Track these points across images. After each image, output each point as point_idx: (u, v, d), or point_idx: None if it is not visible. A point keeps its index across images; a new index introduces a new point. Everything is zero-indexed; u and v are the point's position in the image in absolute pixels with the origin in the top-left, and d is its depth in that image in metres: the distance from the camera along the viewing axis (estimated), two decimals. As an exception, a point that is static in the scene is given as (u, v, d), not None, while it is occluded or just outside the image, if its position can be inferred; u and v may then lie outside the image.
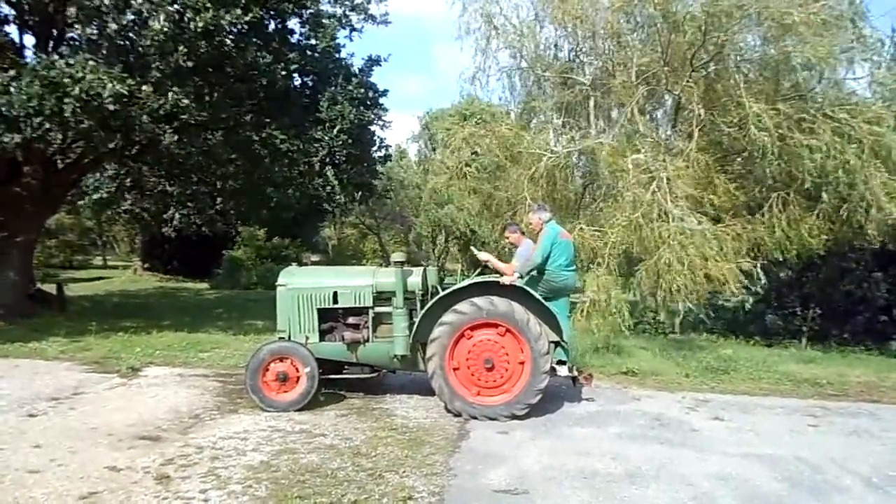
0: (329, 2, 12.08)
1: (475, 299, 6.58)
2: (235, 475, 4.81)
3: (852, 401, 7.90)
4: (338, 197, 14.83)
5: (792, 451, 5.72)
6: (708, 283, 9.65)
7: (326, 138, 14.10)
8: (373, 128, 15.79)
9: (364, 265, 38.98)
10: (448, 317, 6.60)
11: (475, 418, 6.49)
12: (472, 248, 8.13)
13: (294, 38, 12.19)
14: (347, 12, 12.12)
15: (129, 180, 13.94)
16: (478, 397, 6.60)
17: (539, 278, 7.03)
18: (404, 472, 4.96)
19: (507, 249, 9.27)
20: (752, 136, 9.79)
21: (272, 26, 11.71)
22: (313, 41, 12.09)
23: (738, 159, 11.01)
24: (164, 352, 9.78)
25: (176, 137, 10.89)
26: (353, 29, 12.33)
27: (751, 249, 10.40)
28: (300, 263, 13.76)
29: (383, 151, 17.04)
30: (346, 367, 7.39)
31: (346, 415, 6.59)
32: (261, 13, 10.27)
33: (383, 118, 15.67)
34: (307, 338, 7.07)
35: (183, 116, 10.71)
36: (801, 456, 5.59)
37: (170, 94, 10.13)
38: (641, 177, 10.55)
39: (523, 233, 7.81)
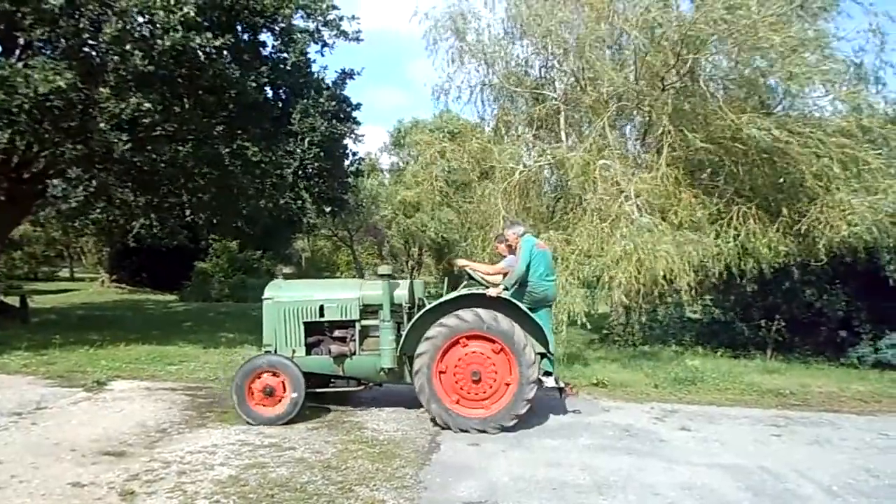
0: (302, 16, 12.10)
1: (461, 312, 6.61)
2: (203, 490, 4.75)
3: (814, 411, 8.08)
4: (309, 211, 14.74)
5: (756, 461, 5.83)
6: (653, 281, 9.78)
7: (298, 151, 14.07)
8: (345, 141, 15.81)
9: (338, 277, 38.86)
10: (433, 330, 6.61)
11: (466, 431, 6.49)
12: (456, 259, 8.15)
13: (266, 52, 12.18)
14: (320, 27, 12.14)
15: (94, 189, 13.67)
16: (458, 406, 6.61)
17: (521, 289, 7.05)
18: (374, 485, 4.95)
19: (493, 260, 9.31)
20: (735, 147, 10.00)
21: (244, 38, 11.67)
22: (285, 55, 12.08)
23: (703, 175, 11.25)
24: (131, 365, 9.59)
25: (130, 146, 10.70)
26: (325, 44, 12.36)
27: (713, 261, 10.61)
28: (272, 276, 13.77)
29: (356, 165, 17.04)
30: (332, 380, 7.38)
31: (316, 428, 6.55)
32: (232, 40, 10.25)
33: (356, 132, 15.71)
34: (293, 351, 7.03)
35: (145, 121, 10.58)
36: (765, 465, 5.71)
37: (131, 99, 10.02)
38: (611, 189, 10.75)
39: (510, 246, 7.86)
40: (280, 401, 6.65)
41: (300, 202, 14.89)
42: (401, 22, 73.46)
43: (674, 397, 8.62)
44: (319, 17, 12.11)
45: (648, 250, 9.63)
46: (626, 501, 4.84)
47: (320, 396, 7.32)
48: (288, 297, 7.23)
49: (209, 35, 9.90)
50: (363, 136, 15.73)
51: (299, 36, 11.92)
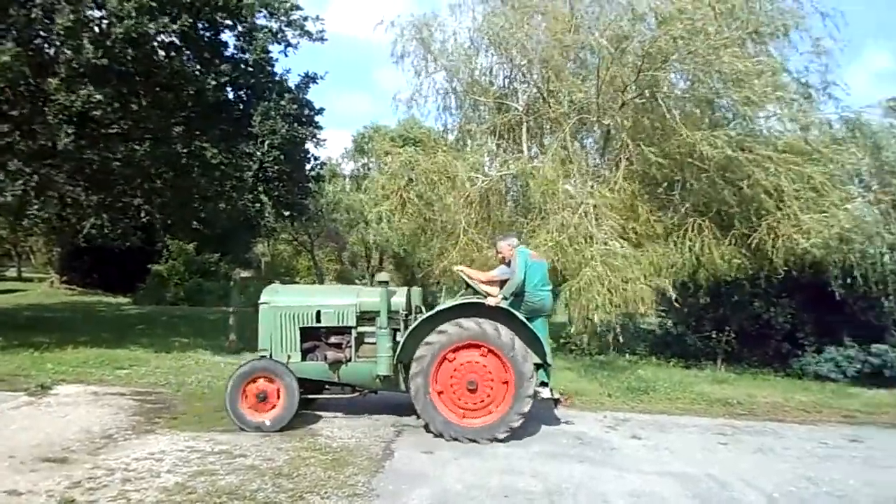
0: (265, 16, 11.97)
1: (460, 321, 6.61)
2: (148, 498, 4.64)
3: (759, 420, 8.32)
4: (267, 214, 14.55)
5: (703, 469, 5.96)
6: (625, 304, 10.02)
7: (258, 153, 13.89)
8: (307, 145, 15.66)
9: (297, 283, 38.40)
10: (431, 338, 6.60)
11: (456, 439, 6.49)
12: (455, 268, 8.13)
13: (228, 52, 12.01)
14: (283, 27, 12.03)
15: (34, 184, 13.19)
16: (453, 414, 6.62)
17: (518, 300, 7.04)
18: (326, 493, 4.90)
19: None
20: (691, 162, 10.28)
21: (205, 37, 11.50)
22: (247, 55, 11.93)
23: (660, 190, 11.51)
24: (78, 369, 9.31)
25: (79, 141, 10.39)
26: (289, 44, 12.26)
27: (668, 272, 10.85)
28: (229, 279, 13.58)
29: (317, 170, 16.90)
30: (326, 386, 7.32)
31: (269, 435, 6.44)
32: (190, 21, 10.05)
33: (318, 136, 15.60)
34: (289, 357, 6.98)
35: (95, 114, 10.31)
36: (711, 473, 5.84)
37: (81, 91, 9.77)
38: (570, 202, 10.91)
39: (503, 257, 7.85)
40: (273, 407, 6.61)
41: (258, 205, 14.67)
42: (368, 27, 73.44)
43: (626, 406, 8.77)
44: (282, 17, 12.00)
45: (620, 276, 9.82)
46: (576, 509, 4.91)
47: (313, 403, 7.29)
48: (284, 302, 7.20)
49: (165, 20, 9.69)
50: (325, 140, 15.63)
51: (261, 35, 11.77)
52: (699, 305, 12.47)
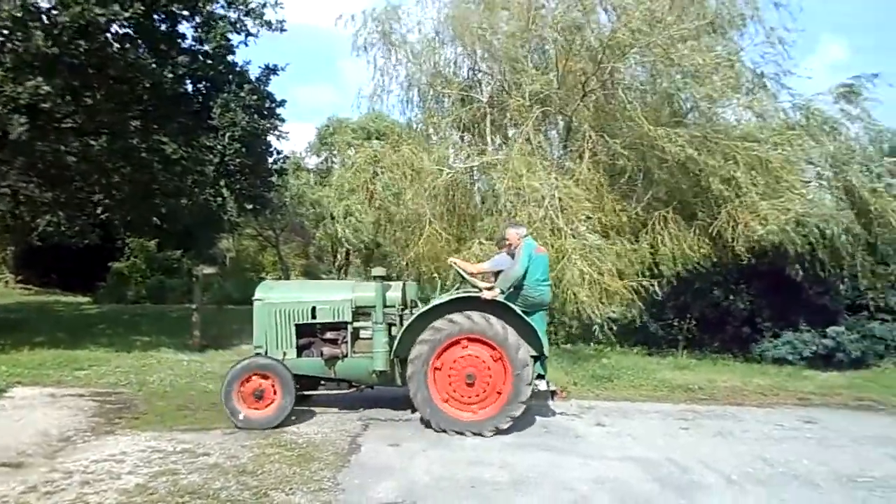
0: (222, 5, 11.71)
1: (457, 315, 6.61)
2: (107, 500, 4.55)
3: (719, 404, 8.54)
4: (230, 208, 14.29)
5: (664, 453, 6.10)
6: (606, 297, 10.15)
7: (218, 147, 13.61)
8: (269, 138, 15.42)
9: (263, 278, 37.89)
10: (428, 332, 6.60)
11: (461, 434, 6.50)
12: (450, 260, 8.07)
13: (186, 44, 11.73)
14: (242, 17, 11.79)
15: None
16: (450, 407, 6.63)
17: (516, 293, 7.05)
18: (290, 489, 4.88)
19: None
20: (653, 153, 10.43)
21: (162, 28, 11.22)
22: (206, 46, 11.67)
23: (623, 179, 11.66)
24: (35, 371, 9.03)
25: (30, 134, 10.05)
26: (249, 34, 12.02)
27: (640, 264, 11.02)
28: (192, 276, 13.34)
29: (280, 163, 16.64)
30: (322, 382, 7.31)
31: (233, 432, 6.38)
32: (142, 9, 9.77)
33: (280, 129, 15.36)
34: (284, 353, 6.95)
35: (45, 106, 9.99)
36: (672, 457, 5.98)
37: (29, 83, 9.45)
38: (535, 194, 10.98)
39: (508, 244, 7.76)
40: (269, 404, 6.57)
41: (221, 199, 14.40)
42: (331, 18, 72.63)
43: (591, 394, 8.89)
44: (241, 6, 11.74)
45: (600, 270, 9.93)
46: (541, 497, 4.97)
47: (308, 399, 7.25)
48: (279, 299, 7.17)
49: (115, 7, 9.41)
50: (287, 133, 15.40)
51: (220, 24, 11.51)
52: (661, 294, 12.70)
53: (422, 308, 6.89)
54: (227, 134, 13.75)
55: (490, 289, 6.95)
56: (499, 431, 6.54)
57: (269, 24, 12.13)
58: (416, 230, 12.26)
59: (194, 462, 5.42)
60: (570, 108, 11.44)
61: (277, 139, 15.94)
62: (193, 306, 12.50)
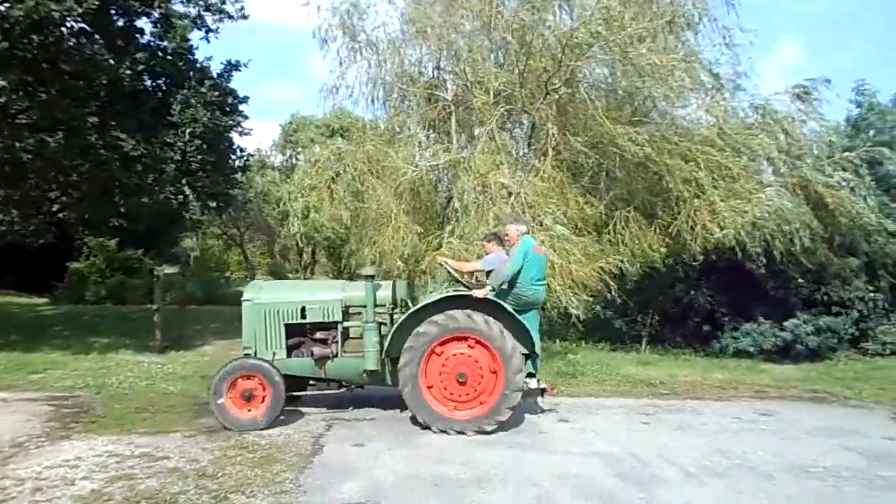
0: (181, 2, 11.52)
1: (449, 313, 6.59)
2: (60, 507, 4.45)
3: (680, 399, 8.69)
4: (192, 206, 14.03)
5: (626, 448, 6.18)
6: (577, 287, 10.20)
7: (179, 143, 13.35)
8: (231, 135, 15.18)
9: (229, 277, 37.31)
10: (420, 330, 6.58)
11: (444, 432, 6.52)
12: (440, 259, 8.06)
13: (144, 39, 11.50)
14: (202, 13, 11.58)
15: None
16: (446, 408, 6.63)
17: (509, 291, 7.02)
18: (251, 492, 4.82)
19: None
20: (614, 151, 10.55)
21: (119, 23, 10.97)
22: (165, 42, 11.44)
23: (585, 179, 11.78)
24: (-14, 375, 8.81)
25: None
26: (209, 30, 11.81)
27: (604, 261, 11.13)
28: (154, 277, 13.08)
29: (243, 161, 16.42)
30: (310, 382, 7.28)
31: (193, 435, 6.29)
32: (97, 3, 9.53)
33: (242, 125, 15.15)
34: (274, 354, 6.90)
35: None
36: (634, 452, 6.07)
37: None
38: (501, 191, 11.02)
39: (502, 244, 7.73)
40: (259, 405, 6.53)
41: (182, 198, 14.13)
42: (297, 14, 71.80)
43: (557, 390, 8.96)
44: (200, 2, 11.53)
45: (568, 259, 9.99)
46: (504, 493, 4.99)
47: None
48: (268, 299, 7.12)
49: (70, 3, 9.17)
50: (251, 130, 15.16)
51: (179, 22, 11.30)
52: (624, 290, 12.89)
53: (413, 307, 6.88)
54: (188, 131, 13.51)
55: (479, 285, 6.97)
56: (487, 430, 6.56)
57: (230, 16, 11.93)
58: (383, 228, 12.18)
59: (152, 466, 5.32)
60: (533, 106, 11.49)
61: (240, 136, 15.76)
62: (154, 307, 12.28)
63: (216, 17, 11.69)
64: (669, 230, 11.04)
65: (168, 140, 13.33)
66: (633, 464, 5.76)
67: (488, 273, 7.23)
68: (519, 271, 6.99)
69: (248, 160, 17.21)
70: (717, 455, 6.02)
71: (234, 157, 15.91)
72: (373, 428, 6.78)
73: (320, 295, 7.27)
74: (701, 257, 11.16)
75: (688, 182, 10.80)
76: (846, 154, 11.99)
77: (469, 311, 6.63)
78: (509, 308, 6.77)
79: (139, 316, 16.45)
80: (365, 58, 12.84)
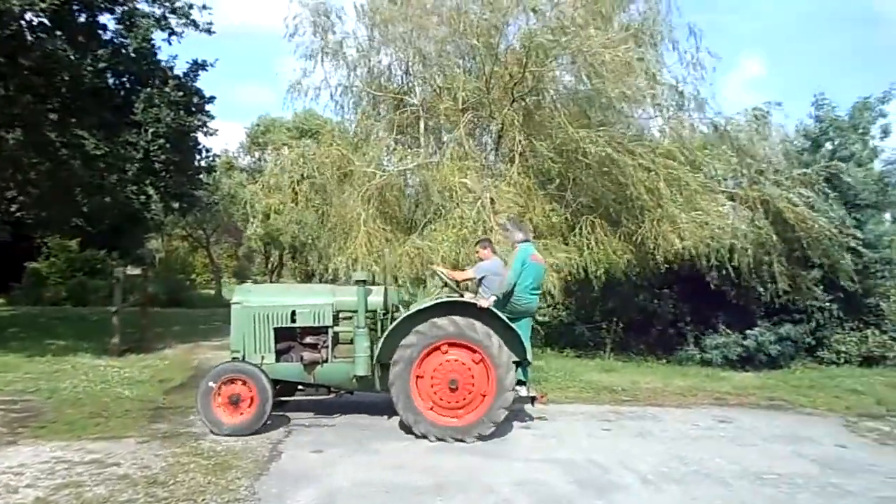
0: (146, 1, 11.32)
1: (439, 319, 6.54)
2: (2, 516, 4.29)
3: (641, 405, 8.76)
4: (153, 207, 13.73)
5: (586, 455, 6.20)
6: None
7: (142, 143, 13.07)
8: (196, 135, 14.91)
9: (194, 279, 36.64)
10: (411, 337, 6.52)
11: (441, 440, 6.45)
12: (432, 268, 8.01)
13: (107, 36, 11.25)
14: (167, 14, 11.39)
15: None
16: (433, 413, 6.57)
17: (505, 299, 7.00)
18: (204, 500, 4.71)
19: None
20: (573, 159, 10.65)
21: (81, 19, 10.72)
22: (127, 40, 11.20)
23: (552, 185, 11.87)
24: (-68, 378, 8.49)
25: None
26: (173, 32, 11.62)
27: (569, 266, 11.22)
28: (114, 278, 12.76)
29: (208, 161, 16.14)
30: (298, 387, 7.18)
31: (146, 441, 6.14)
32: (57, 2, 9.33)
33: (208, 125, 14.89)
34: (262, 358, 6.79)
35: None
36: (594, 458, 6.09)
37: None
38: (468, 196, 11.06)
39: (495, 251, 7.79)
40: (247, 410, 6.43)
41: (144, 197, 13.82)
42: (269, 17, 71.15)
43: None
44: (166, 3, 11.35)
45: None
46: (463, 500, 4.97)
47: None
48: (258, 302, 7.04)
49: None
50: (216, 130, 14.89)
51: (143, 21, 11.09)
52: (588, 298, 13.01)
53: (405, 312, 6.83)
54: (152, 130, 13.22)
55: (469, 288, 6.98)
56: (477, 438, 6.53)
57: (195, 24, 11.77)
58: (352, 231, 12.10)
59: (102, 473, 5.17)
60: (500, 112, 11.57)
61: (206, 136, 15.49)
62: (113, 309, 12.00)
63: (181, 21, 11.51)
64: (634, 238, 11.18)
65: (131, 139, 13.02)
66: (592, 470, 5.77)
67: (480, 280, 7.23)
68: (515, 281, 7.02)
69: (213, 161, 16.94)
70: (676, 461, 6.08)
71: (199, 157, 15.64)
72: (333, 434, 6.70)
73: (311, 299, 7.19)
74: (664, 266, 11.30)
75: (650, 191, 10.96)
76: (805, 171, 12.32)
77: (461, 318, 6.60)
78: (502, 315, 6.76)
79: (100, 318, 16.04)
80: (334, 61, 12.79)
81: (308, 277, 18.83)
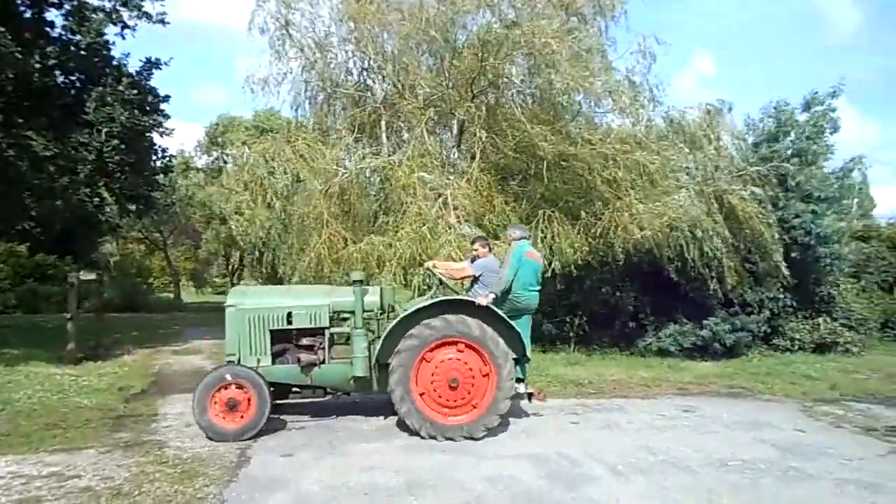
0: (96, -6, 10.95)
1: (440, 318, 6.52)
2: (-44, 536, 4.12)
3: (607, 398, 8.90)
4: (107, 209, 13.29)
5: (555, 448, 6.27)
6: None
7: (95, 143, 12.64)
8: (151, 135, 14.52)
9: (152, 283, 35.80)
10: (411, 336, 6.49)
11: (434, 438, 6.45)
12: (425, 264, 7.91)
13: (55, 32, 10.84)
14: (118, 6, 11.03)
15: None
16: (448, 417, 6.56)
17: (503, 296, 6.98)
18: (171, 509, 4.60)
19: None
20: (532, 154, 10.73)
21: (26, 14, 10.32)
22: (78, 36, 10.81)
23: (513, 181, 11.94)
24: None
25: None
26: (126, 26, 11.27)
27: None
28: (68, 283, 12.33)
29: (164, 162, 15.75)
30: (293, 390, 7.10)
31: (109, 451, 5.96)
32: None
33: (164, 125, 14.51)
34: (258, 360, 6.70)
35: None
36: (563, 451, 6.16)
37: None
38: (429, 193, 11.03)
39: (490, 249, 7.74)
40: (244, 415, 6.34)
41: (97, 200, 13.38)
42: (228, 16, 69.77)
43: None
44: (117, -5, 11.01)
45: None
46: (436, 499, 4.96)
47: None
48: (253, 304, 6.95)
49: None
50: (172, 130, 14.50)
51: (93, 16, 10.71)
52: (554, 293, 13.13)
53: (404, 312, 6.78)
54: (105, 130, 12.80)
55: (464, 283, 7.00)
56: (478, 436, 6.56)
57: (147, 15, 11.43)
58: (316, 230, 11.95)
59: (62, 486, 5.00)
60: (461, 109, 11.58)
61: (161, 136, 15.10)
62: (68, 315, 11.62)
63: (133, 14, 11.16)
64: (594, 230, 11.32)
65: (82, 139, 12.57)
66: (562, 463, 5.84)
67: (477, 277, 7.22)
68: (512, 278, 7.05)
69: (170, 161, 16.53)
70: (643, 452, 6.19)
71: (155, 157, 15.23)
72: (302, 437, 6.63)
73: (307, 300, 7.13)
74: (622, 257, 11.48)
75: (608, 183, 11.11)
76: (757, 168, 12.68)
77: (462, 316, 6.61)
78: (501, 313, 6.78)
79: (53, 325, 15.55)
80: (294, 56, 12.61)
81: (270, 280, 18.52)
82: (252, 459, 5.82)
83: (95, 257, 31.86)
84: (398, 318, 6.71)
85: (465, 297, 6.94)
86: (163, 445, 6.19)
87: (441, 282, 7.48)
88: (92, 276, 13.82)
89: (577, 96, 10.89)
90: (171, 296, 34.19)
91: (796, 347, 12.88)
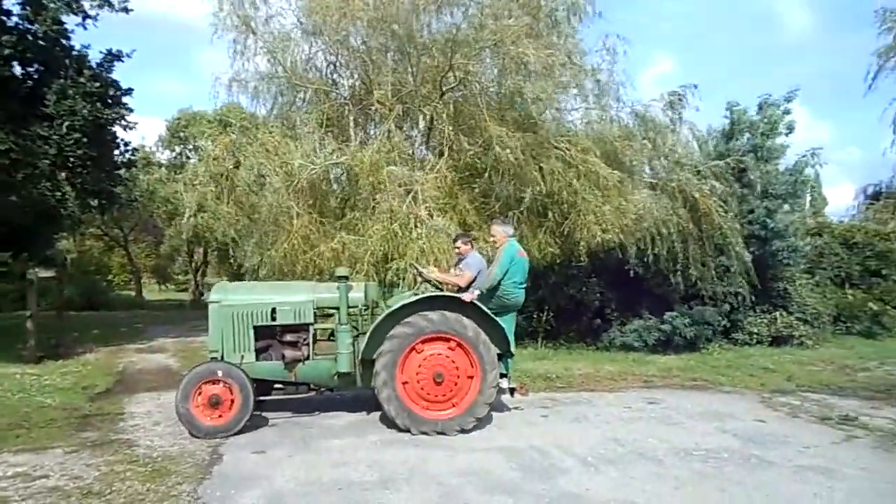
0: (55, -18, 10.60)
1: (426, 313, 6.52)
2: (-80, 540, 4.01)
3: (575, 391, 9.09)
4: (69, 204, 12.94)
5: (527, 441, 6.39)
6: None
7: (55, 137, 12.27)
8: (114, 129, 14.17)
9: (112, 280, 34.95)
10: (397, 331, 6.49)
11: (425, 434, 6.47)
12: (416, 266, 7.86)
13: (11, 21, 10.46)
14: (78, -6, 10.72)
15: None
16: (427, 411, 6.60)
17: (491, 293, 7.01)
18: (144, 508, 4.56)
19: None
20: (497, 156, 10.81)
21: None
22: (36, 25, 10.46)
23: (480, 180, 12.02)
24: None
25: None
26: (87, 16, 10.95)
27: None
28: (28, 281, 11.98)
29: (127, 156, 15.38)
30: (275, 386, 7.05)
31: (76, 450, 5.86)
32: None
33: (127, 118, 14.17)
34: (242, 357, 6.62)
35: None
36: (534, 444, 6.28)
37: None
38: (398, 189, 11.04)
39: (473, 245, 7.77)
40: (227, 411, 6.32)
41: (59, 194, 13.03)
42: (189, 8, 68.20)
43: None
44: (77, -17, 10.68)
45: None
46: (410, 493, 5.00)
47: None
48: (237, 300, 6.84)
49: None
50: (135, 123, 14.15)
51: (52, 4, 10.38)
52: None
53: (389, 308, 6.78)
54: (66, 123, 12.43)
55: (460, 288, 6.99)
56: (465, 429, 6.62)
57: (109, 3, 11.13)
58: (284, 225, 11.85)
59: (29, 487, 4.91)
60: (430, 106, 11.61)
61: (124, 130, 14.74)
62: (28, 313, 11.32)
63: (94, 3, 10.85)
64: (560, 230, 11.49)
65: (42, 132, 12.19)
66: (534, 456, 5.95)
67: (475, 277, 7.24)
68: (502, 276, 7.12)
69: (133, 155, 16.15)
70: (612, 443, 6.35)
71: (117, 152, 14.87)
72: (274, 433, 6.62)
73: (291, 296, 7.09)
74: (586, 258, 11.70)
75: (567, 188, 11.28)
76: (716, 162, 13.03)
77: (446, 312, 6.65)
78: (486, 309, 6.84)
79: (10, 324, 15.14)
80: (259, 50, 12.45)
81: (236, 276, 18.28)
82: (225, 457, 5.79)
83: (52, 254, 30.98)
84: (383, 315, 6.72)
85: (450, 294, 6.99)
86: (132, 444, 6.12)
87: (426, 279, 7.43)
88: (51, 274, 13.47)
89: (544, 100, 10.98)
90: (133, 293, 33.43)
91: (754, 341, 13.30)
